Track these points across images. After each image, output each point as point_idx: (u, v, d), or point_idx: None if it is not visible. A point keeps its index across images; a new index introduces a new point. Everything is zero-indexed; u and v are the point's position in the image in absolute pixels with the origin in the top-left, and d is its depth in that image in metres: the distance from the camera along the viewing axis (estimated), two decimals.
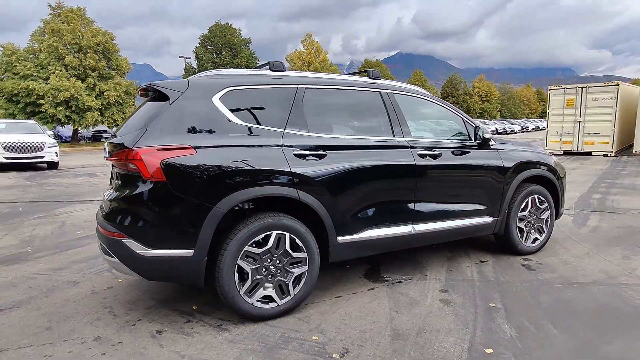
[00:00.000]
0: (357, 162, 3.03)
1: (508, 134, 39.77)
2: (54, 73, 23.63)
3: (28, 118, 22.35)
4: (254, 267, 2.65)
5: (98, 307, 3.02)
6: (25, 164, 12.72)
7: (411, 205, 3.31)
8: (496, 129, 38.98)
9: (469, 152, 3.66)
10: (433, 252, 4.19)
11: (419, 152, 3.31)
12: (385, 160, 3.16)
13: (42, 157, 12.52)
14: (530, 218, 4.05)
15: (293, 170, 2.74)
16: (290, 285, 2.80)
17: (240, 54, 35.34)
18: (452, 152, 3.56)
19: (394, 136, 3.29)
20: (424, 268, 3.74)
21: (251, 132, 2.74)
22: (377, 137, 3.23)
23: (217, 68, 35.25)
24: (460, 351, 2.34)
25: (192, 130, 2.59)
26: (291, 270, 2.79)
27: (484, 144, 3.70)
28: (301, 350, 2.37)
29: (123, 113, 26.88)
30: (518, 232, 3.98)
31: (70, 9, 25.83)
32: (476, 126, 3.69)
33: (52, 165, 13.02)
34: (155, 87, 2.70)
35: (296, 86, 3.02)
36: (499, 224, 3.85)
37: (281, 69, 3.09)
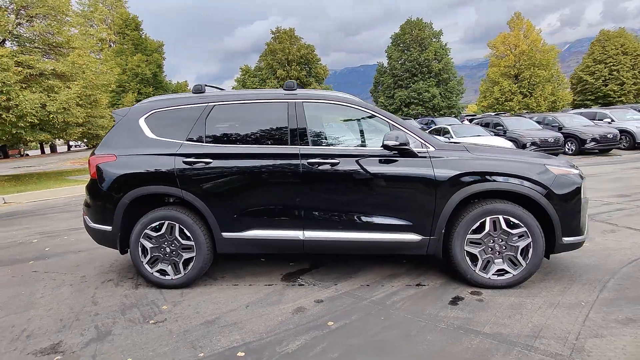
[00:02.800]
0: (238, 168, 3.41)
1: None
2: (268, 85, 30.03)
3: None
4: (153, 245, 3.52)
5: (115, 259, 4.54)
6: None
7: (299, 212, 3.37)
8: None
9: (393, 160, 3.29)
10: (384, 266, 3.88)
11: (309, 160, 3.32)
12: (267, 168, 3.38)
13: None
14: (494, 244, 3.21)
15: (178, 174, 3.44)
16: (181, 266, 3.52)
17: (428, 48, 34.58)
18: (363, 160, 3.32)
19: (289, 144, 3.43)
20: (346, 279, 3.63)
21: (157, 144, 3.59)
22: (264, 146, 3.46)
23: (404, 65, 35.86)
24: (233, 345, 2.55)
25: (121, 144, 3.66)
26: (182, 254, 3.51)
27: (405, 151, 3.24)
28: (145, 312, 3.11)
29: None
30: (468, 258, 3.24)
31: (284, 31, 31.94)
32: (398, 134, 3.23)
33: None
34: (112, 113, 3.93)
35: (206, 104, 3.65)
36: (432, 244, 3.28)
37: (200, 91, 3.77)
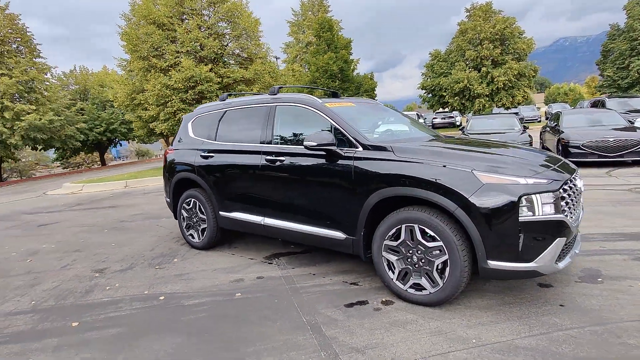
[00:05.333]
0: (227, 162, 4.26)
1: None
2: (455, 68, 28.18)
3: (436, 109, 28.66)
4: (187, 215, 4.86)
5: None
6: None
7: (261, 201, 3.95)
8: None
9: (321, 159, 3.41)
10: (352, 262, 3.96)
11: (267, 157, 3.83)
12: (243, 162, 4.08)
13: None
14: (412, 255, 2.94)
15: (196, 164, 4.59)
16: (200, 233, 4.72)
17: None
18: (300, 159, 3.57)
19: (259, 143, 4.01)
20: (307, 265, 3.96)
21: (193, 142, 4.82)
22: (243, 144, 4.14)
23: None
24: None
25: (179, 140, 5.10)
26: (200, 224, 4.70)
27: (329, 151, 3.31)
28: (163, 260, 4.44)
29: (512, 97, 27.28)
30: (386, 265, 3.09)
31: (480, 6, 28.97)
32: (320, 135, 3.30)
33: None
34: (182, 118, 5.41)
35: (223, 109, 4.63)
36: (355, 244, 3.26)
37: (224, 99, 4.75)
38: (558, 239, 2.61)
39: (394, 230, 2.99)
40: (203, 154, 4.55)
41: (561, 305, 2.79)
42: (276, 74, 16.13)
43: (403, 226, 2.94)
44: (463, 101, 28.51)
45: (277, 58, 34.80)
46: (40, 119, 19.44)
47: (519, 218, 2.53)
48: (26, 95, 20.47)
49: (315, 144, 3.28)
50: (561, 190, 2.66)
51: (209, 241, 4.65)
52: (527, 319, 2.63)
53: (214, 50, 14.21)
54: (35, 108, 19.83)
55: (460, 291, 2.78)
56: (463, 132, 12.33)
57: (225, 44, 15.39)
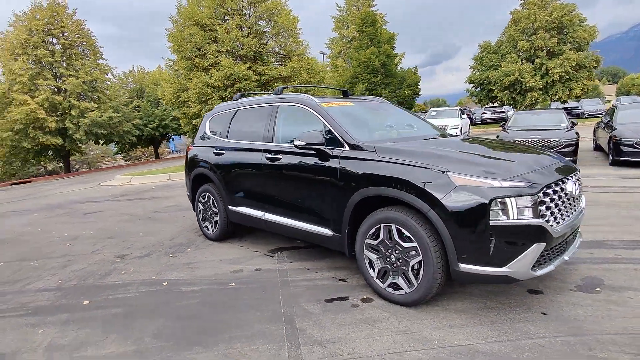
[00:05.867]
0: (233, 159, 4.50)
1: None
2: (506, 60, 26.60)
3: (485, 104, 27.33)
4: (203, 208, 5.19)
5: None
6: None
7: (262, 197, 4.14)
8: None
9: (311, 158, 3.52)
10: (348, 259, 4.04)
11: (267, 155, 4.01)
12: (246, 160, 4.29)
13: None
14: (390, 254, 2.98)
15: (210, 161, 4.88)
16: (213, 225, 5.03)
17: None
18: (293, 157, 3.70)
19: (261, 141, 4.20)
20: (305, 260, 4.10)
21: (208, 139, 5.13)
22: (248, 142, 4.34)
23: None
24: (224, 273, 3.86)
25: (200, 137, 5.43)
26: (213, 217, 5.01)
27: (318, 150, 3.40)
28: (178, 249, 4.81)
29: (570, 90, 25.26)
30: (367, 263, 3.14)
31: None
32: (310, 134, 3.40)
33: None
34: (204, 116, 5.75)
35: (235, 108, 4.88)
36: (341, 241, 3.34)
37: (237, 99, 4.99)
38: (535, 244, 2.52)
39: (374, 230, 3.04)
40: (215, 151, 4.83)
41: (543, 314, 2.69)
42: (314, 70, 16.31)
43: (382, 226, 2.98)
44: (513, 95, 26.89)
45: (323, 54, 35.06)
46: (101, 116, 21.26)
47: (490, 221, 2.48)
48: (89, 94, 22.45)
49: (304, 143, 3.40)
50: (541, 194, 2.56)
51: (221, 233, 4.94)
52: (500, 325, 2.58)
53: (253, 49, 14.70)
54: (97, 106, 21.72)
55: (434, 292, 2.77)
56: (504, 128, 11.72)
57: (264, 42, 15.86)
